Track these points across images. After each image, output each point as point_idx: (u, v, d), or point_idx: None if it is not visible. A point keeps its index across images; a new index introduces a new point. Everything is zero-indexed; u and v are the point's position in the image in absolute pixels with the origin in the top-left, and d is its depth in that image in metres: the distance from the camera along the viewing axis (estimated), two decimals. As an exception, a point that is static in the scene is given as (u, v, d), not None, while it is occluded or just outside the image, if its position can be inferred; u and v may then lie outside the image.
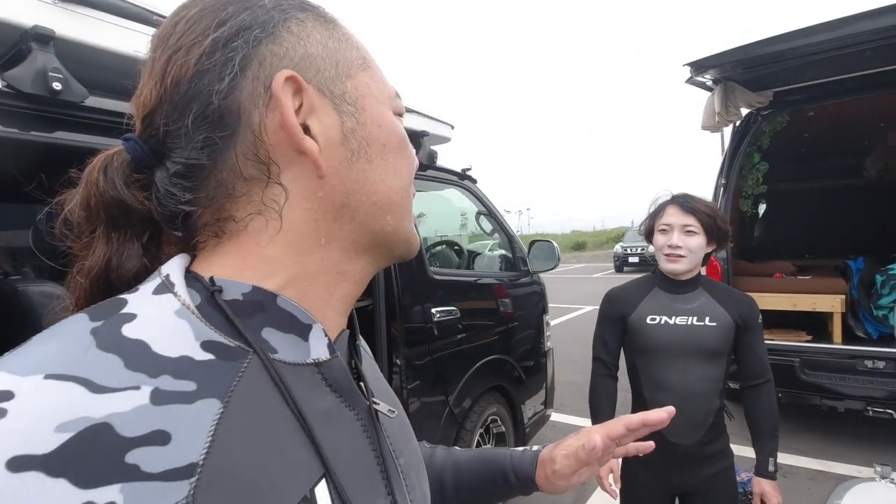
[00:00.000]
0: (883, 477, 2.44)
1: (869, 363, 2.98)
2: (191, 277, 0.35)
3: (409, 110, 2.15)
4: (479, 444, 2.49)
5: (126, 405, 0.27)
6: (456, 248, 3.41)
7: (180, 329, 0.32)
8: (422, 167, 2.33)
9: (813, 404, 3.23)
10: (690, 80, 3.11)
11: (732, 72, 3.05)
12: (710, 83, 3.19)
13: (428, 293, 2.22)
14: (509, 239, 3.00)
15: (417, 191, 2.61)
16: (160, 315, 0.32)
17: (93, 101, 1.20)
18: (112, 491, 0.25)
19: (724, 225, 1.48)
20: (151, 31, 1.34)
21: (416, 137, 2.27)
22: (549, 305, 3.26)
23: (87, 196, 0.37)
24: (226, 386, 0.31)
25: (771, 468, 1.46)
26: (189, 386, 0.30)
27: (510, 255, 3.02)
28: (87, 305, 0.35)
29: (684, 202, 1.47)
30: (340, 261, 0.39)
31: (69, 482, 0.24)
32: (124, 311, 0.32)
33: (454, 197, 2.99)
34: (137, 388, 0.28)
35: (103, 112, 1.22)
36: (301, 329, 0.37)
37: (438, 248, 3.44)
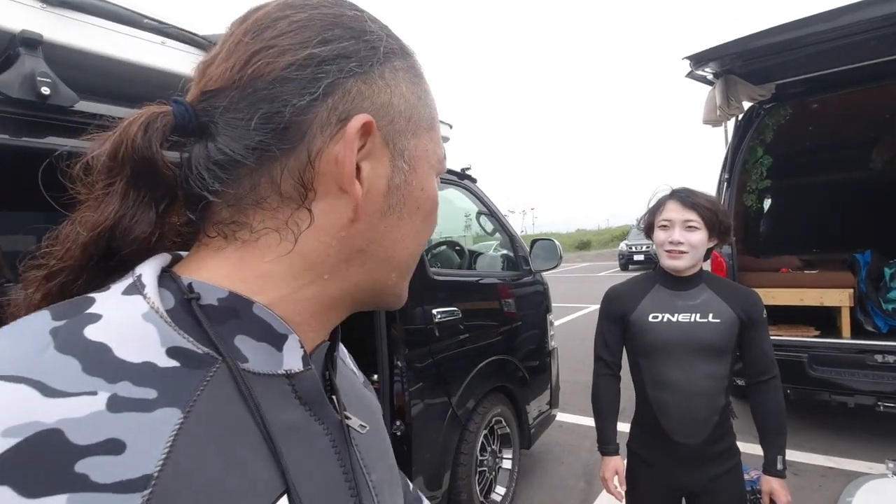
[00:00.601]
0: (895, 473, 2.41)
1: (879, 357, 2.93)
2: (167, 279, 0.34)
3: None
4: (483, 447, 2.46)
5: (80, 411, 0.26)
6: (457, 248, 3.39)
7: (146, 333, 0.30)
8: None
9: (822, 400, 3.18)
10: (690, 75, 3.07)
11: (732, 65, 3.00)
12: (710, 77, 3.15)
13: (429, 294, 2.20)
14: (510, 238, 2.98)
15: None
16: (126, 317, 0.31)
17: (83, 106, 1.19)
18: (58, 501, 0.24)
19: (726, 219, 1.45)
20: (140, 33, 1.35)
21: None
22: (553, 305, 3.23)
23: (117, 146, 0.34)
24: (188, 395, 0.30)
25: (779, 466, 1.43)
26: (149, 393, 0.28)
27: (512, 254, 2.99)
28: (77, 264, 0.34)
29: (684, 197, 1.44)
30: (334, 296, 0.39)
31: (13, 490, 0.23)
32: (90, 310, 0.30)
33: (455, 197, 2.97)
34: (94, 393, 0.27)
35: (94, 116, 1.21)
36: (276, 338, 0.35)
37: (439, 248, 3.43)
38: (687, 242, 1.40)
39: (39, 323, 0.29)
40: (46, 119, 1.15)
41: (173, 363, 0.30)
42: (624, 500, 1.53)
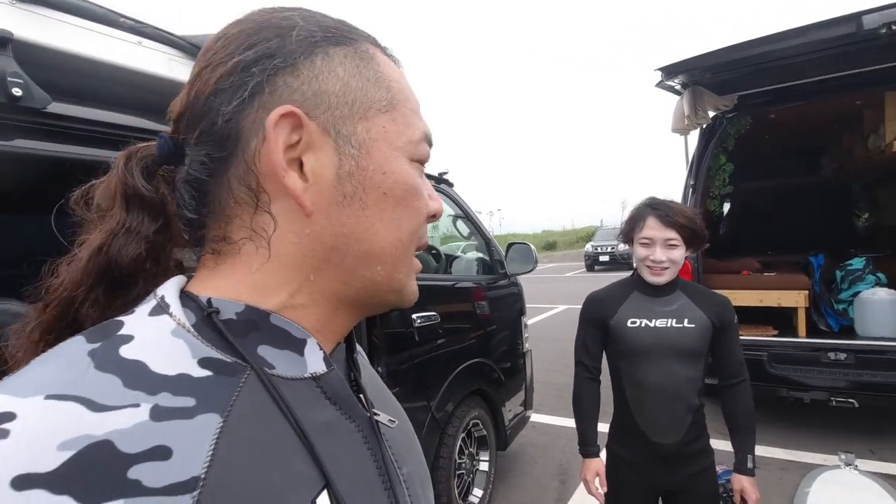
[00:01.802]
0: (847, 464, 2.55)
1: (832, 355, 3.11)
2: (186, 298, 0.36)
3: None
4: (461, 450, 2.48)
5: (126, 422, 0.27)
6: (434, 251, 3.40)
7: (177, 348, 0.32)
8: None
9: (780, 396, 3.36)
10: (661, 84, 3.19)
11: (701, 76, 3.15)
12: (678, 87, 3.28)
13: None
14: (486, 242, 3.01)
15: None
16: (157, 335, 0.32)
17: (57, 108, 1.14)
18: None
19: (703, 231, 1.48)
20: (117, 33, 1.30)
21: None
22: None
23: (109, 179, 0.39)
24: (225, 400, 0.31)
25: (749, 465, 1.50)
26: (188, 402, 0.30)
27: (487, 258, 3.02)
28: (78, 287, 0.36)
29: (664, 215, 1.45)
30: (331, 298, 0.39)
31: (73, 499, 0.25)
32: (121, 332, 0.32)
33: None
34: (137, 405, 0.28)
35: (69, 119, 1.16)
36: (296, 344, 0.37)
37: (415, 252, 3.42)
38: (668, 259, 1.44)
39: (77, 347, 0.31)
40: (17, 122, 1.09)
41: (207, 373, 0.32)
42: (604, 501, 1.57)
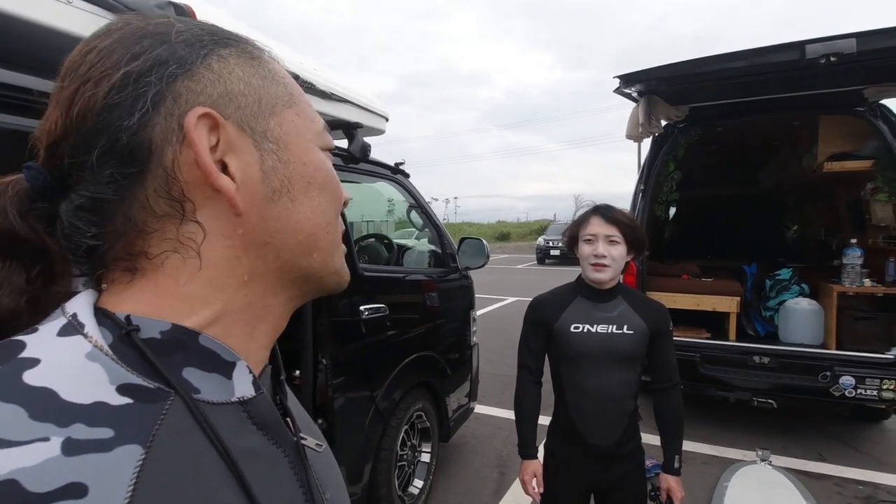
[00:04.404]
0: (763, 460, 2.76)
1: (757, 358, 3.32)
2: (100, 315, 0.33)
3: (343, 100, 2.07)
4: (404, 441, 2.49)
5: (33, 459, 0.25)
6: (385, 241, 3.36)
7: (92, 373, 0.30)
8: (355, 160, 2.25)
9: (709, 395, 3.57)
10: (618, 91, 3.28)
11: (657, 87, 3.27)
12: (635, 95, 3.38)
13: (357, 290, 2.16)
14: (439, 234, 3.00)
15: (349, 182, 2.53)
16: (68, 359, 0.30)
17: None
18: None
19: (642, 234, 1.57)
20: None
21: (350, 129, 2.19)
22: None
23: None
24: (147, 430, 0.29)
25: (676, 465, 1.58)
26: (106, 433, 0.28)
27: (439, 250, 3.02)
28: None
29: (606, 213, 1.54)
30: (265, 295, 0.38)
31: None
32: (23, 355, 0.29)
33: (385, 188, 2.94)
34: (46, 439, 0.26)
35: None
36: (224, 367, 0.35)
37: (368, 241, 3.38)
38: (609, 256, 1.50)
39: None
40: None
41: (126, 400, 0.30)
42: (539, 500, 1.62)
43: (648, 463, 1.67)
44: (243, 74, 0.37)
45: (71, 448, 0.26)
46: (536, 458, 1.60)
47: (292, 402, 0.48)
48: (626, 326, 1.53)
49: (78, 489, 0.25)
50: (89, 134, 0.33)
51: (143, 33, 0.35)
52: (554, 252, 17.90)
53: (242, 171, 0.36)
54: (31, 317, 0.35)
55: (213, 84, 0.35)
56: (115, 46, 0.34)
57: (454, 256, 3.00)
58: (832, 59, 2.59)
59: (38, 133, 0.36)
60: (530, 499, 1.62)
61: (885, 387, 2.96)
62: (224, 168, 0.35)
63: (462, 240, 3.07)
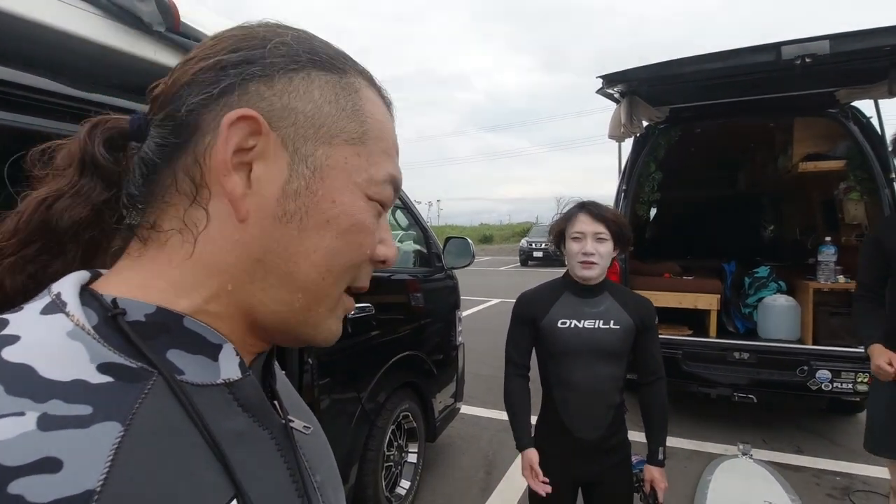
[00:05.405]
0: (744, 454, 2.82)
1: (736, 355, 3.39)
2: (88, 296, 0.33)
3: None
4: (390, 442, 2.47)
5: (7, 433, 0.25)
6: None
7: (73, 351, 0.30)
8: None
9: (691, 391, 3.63)
10: (601, 91, 3.32)
11: (638, 87, 3.32)
12: (617, 95, 3.42)
13: (343, 289, 2.15)
14: (425, 234, 3.00)
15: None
16: (48, 336, 0.30)
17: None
18: None
19: (628, 231, 1.59)
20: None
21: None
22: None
23: (71, 143, 0.39)
24: (127, 408, 0.29)
25: (660, 457, 1.60)
26: (84, 409, 0.28)
27: (425, 250, 3.02)
28: (11, 238, 0.36)
29: (594, 210, 1.54)
30: (246, 314, 0.38)
31: None
32: (5, 332, 0.29)
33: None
34: (21, 413, 0.26)
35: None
36: (210, 349, 0.36)
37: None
38: (597, 253, 1.51)
39: None
40: None
41: (107, 379, 0.30)
42: (549, 491, 1.60)
43: (634, 459, 1.69)
44: (318, 98, 0.38)
45: (47, 423, 0.26)
46: (532, 446, 1.58)
47: (283, 384, 0.48)
48: (612, 322, 1.54)
49: (52, 463, 0.25)
50: (168, 99, 0.37)
51: (257, 35, 0.38)
52: (537, 254, 18.06)
53: (261, 181, 0.36)
54: (88, 238, 0.39)
55: (281, 95, 0.36)
56: (229, 37, 0.38)
57: (440, 256, 3.01)
58: (807, 59, 2.66)
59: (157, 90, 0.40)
60: (517, 498, 1.61)
61: (859, 380, 3.05)
62: (250, 172, 0.36)
63: (447, 239, 3.08)
